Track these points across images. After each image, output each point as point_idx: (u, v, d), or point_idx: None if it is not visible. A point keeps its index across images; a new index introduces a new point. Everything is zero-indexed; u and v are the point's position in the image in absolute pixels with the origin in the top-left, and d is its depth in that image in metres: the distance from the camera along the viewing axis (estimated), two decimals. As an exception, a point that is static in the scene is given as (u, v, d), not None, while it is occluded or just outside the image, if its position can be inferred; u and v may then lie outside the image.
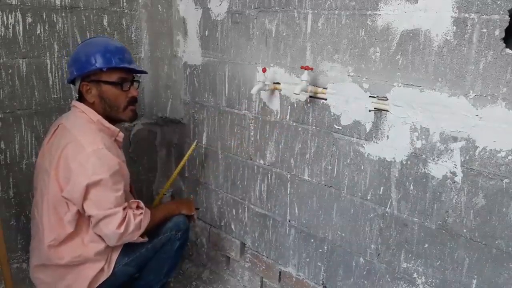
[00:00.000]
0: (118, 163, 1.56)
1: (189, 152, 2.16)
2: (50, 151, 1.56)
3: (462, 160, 1.31)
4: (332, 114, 1.63)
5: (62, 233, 1.54)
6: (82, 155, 1.49)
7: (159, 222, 1.71)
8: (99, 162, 1.50)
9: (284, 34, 1.72)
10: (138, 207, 1.63)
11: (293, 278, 1.92)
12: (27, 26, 1.82)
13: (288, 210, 1.88)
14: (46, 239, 1.55)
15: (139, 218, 1.58)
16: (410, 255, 1.49)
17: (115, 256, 1.63)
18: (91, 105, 1.61)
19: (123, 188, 1.58)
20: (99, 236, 1.57)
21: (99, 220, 1.52)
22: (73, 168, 1.49)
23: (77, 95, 1.66)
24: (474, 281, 1.34)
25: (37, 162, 1.66)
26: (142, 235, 1.62)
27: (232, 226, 2.17)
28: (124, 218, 1.54)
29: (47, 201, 1.55)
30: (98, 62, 1.57)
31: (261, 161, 1.95)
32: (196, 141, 2.18)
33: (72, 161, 1.49)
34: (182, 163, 2.17)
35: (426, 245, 1.44)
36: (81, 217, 1.56)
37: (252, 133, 1.96)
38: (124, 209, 1.54)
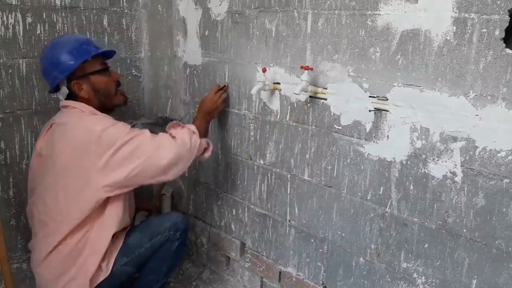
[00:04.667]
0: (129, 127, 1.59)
1: None
2: (52, 150, 1.55)
3: (462, 160, 1.31)
4: (332, 114, 1.63)
5: (74, 220, 1.55)
6: (94, 135, 1.49)
7: (203, 128, 1.82)
8: (116, 129, 1.54)
9: (284, 34, 1.72)
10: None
11: (293, 278, 1.92)
12: (27, 26, 1.82)
13: (288, 210, 1.88)
14: (56, 224, 1.55)
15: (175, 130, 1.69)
16: (410, 255, 1.49)
17: (114, 255, 1.63)
18: (86, 100, 1.62)
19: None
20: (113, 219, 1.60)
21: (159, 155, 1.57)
22: (95, 149, 1.49)
23: (62, 99, 1.64)
24: (474, 281, 1.34)
25: (32, 163, 1.65)
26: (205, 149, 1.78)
27: (232, 226, 2.17)
28: (170, 136, 1.63)
29: (63, 196, 1.54)
30: (80, 55, 1.58)
31: (261, 161, 1.95)
32: None
33: (90, 145, 1.49)
34: None
35: (426, 245, 1.44)
36: (97, 210, 1.57)
37: (252, 133, 1.96)
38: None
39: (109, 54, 1.76)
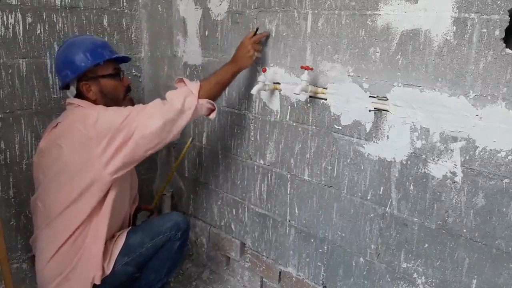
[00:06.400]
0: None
1: (185, 149, 2.18)
2: (55, 145, 1.56)
3: (462, 160, 1.31)
4: (332, 114, 1.63)
5: (79, 213, 1.56)
6: (92, 120, 1.51)
7: (222, 81, 1.70)
8: (111, 112, 1.55)
9: (284, 34, 1.72)
10: None
11: (293, 278, 1.92)
12: (27, 26, 1.82)
13: (288, 210, 1.88)
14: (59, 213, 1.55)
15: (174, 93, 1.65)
16: (410, 255, 1.49)
17: (115, 255, 1.63)
18: (93, 102, 1.63)
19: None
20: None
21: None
22: (93, 134, 1.50)
23: (71, 96, 1.66)
24: (474, 281, 1.34)
25: (35, 162, 1.66)
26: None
27: (232, 226, 2.17)
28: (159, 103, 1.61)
29: (67, 187, 1.55)
30: (93, 58, 1.59)
31: (261, 161, 1.95)
32: (191, 138, 2.19)
33: (88, 130, 1.50)
34: (178, 161, 2.20)
35: (426, 245, 1.44)
36: (99, 205, 1.58)
37: (252, 133, 1.96)
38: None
39: (123, 58, 1.76)
